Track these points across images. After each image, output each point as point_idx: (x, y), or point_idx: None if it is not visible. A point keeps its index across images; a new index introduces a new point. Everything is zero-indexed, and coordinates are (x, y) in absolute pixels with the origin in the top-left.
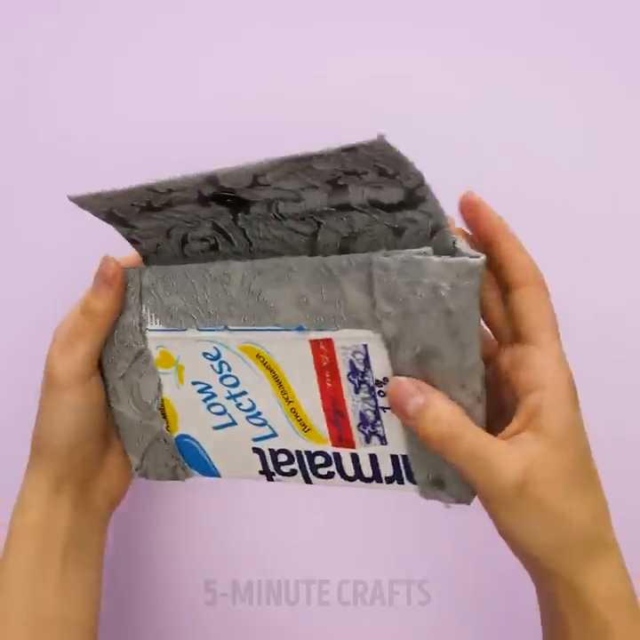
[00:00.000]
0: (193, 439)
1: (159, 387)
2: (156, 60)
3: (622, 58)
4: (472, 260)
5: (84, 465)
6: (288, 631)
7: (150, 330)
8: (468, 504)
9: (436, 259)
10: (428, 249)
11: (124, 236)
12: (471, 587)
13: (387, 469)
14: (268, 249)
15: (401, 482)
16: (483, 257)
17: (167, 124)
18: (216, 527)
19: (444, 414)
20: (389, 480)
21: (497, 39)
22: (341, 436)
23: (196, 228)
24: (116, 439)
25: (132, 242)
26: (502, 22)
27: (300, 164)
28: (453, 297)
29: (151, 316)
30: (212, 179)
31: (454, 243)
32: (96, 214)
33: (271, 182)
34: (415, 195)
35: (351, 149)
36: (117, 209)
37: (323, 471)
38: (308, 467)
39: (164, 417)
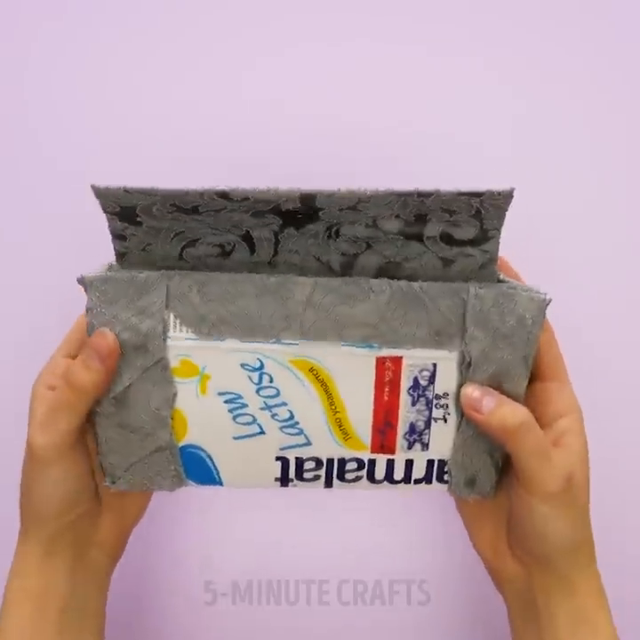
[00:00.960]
0: (201, 449)
1: (173, 396)
2: (153, 64)
3: (622, 57)
4: (546, 297)
5: (75, 526)
6: (288, 631)
7: (173, 338)
8: (489, 497)
9: (523, 293)
10: (513, 283)
11: (116, 230)
12: (471, 587)
13: (419, 472)
14: (293, 262)
15: (429, 482)
16: (548, 295)
17: (162, 132)
18: (216, 527)
19: (520, 409)
20: (418, 481)
21: (497, 39)
22: (383, 444)
23: (218, 234)
24: (109, 495)
25: (119, 237)
26: (502, 22)
27: (415, 199)
28: (533, 326)
29: (176, 324)
30: (307, 198)
31: (499, 276)
32: (109, 207)
33: (364, 209)
34: (486, 235)
35: (476, 194)
36: (144, 208)
37: (350, 476)
38: (335, 472)
39: (173, 428)
